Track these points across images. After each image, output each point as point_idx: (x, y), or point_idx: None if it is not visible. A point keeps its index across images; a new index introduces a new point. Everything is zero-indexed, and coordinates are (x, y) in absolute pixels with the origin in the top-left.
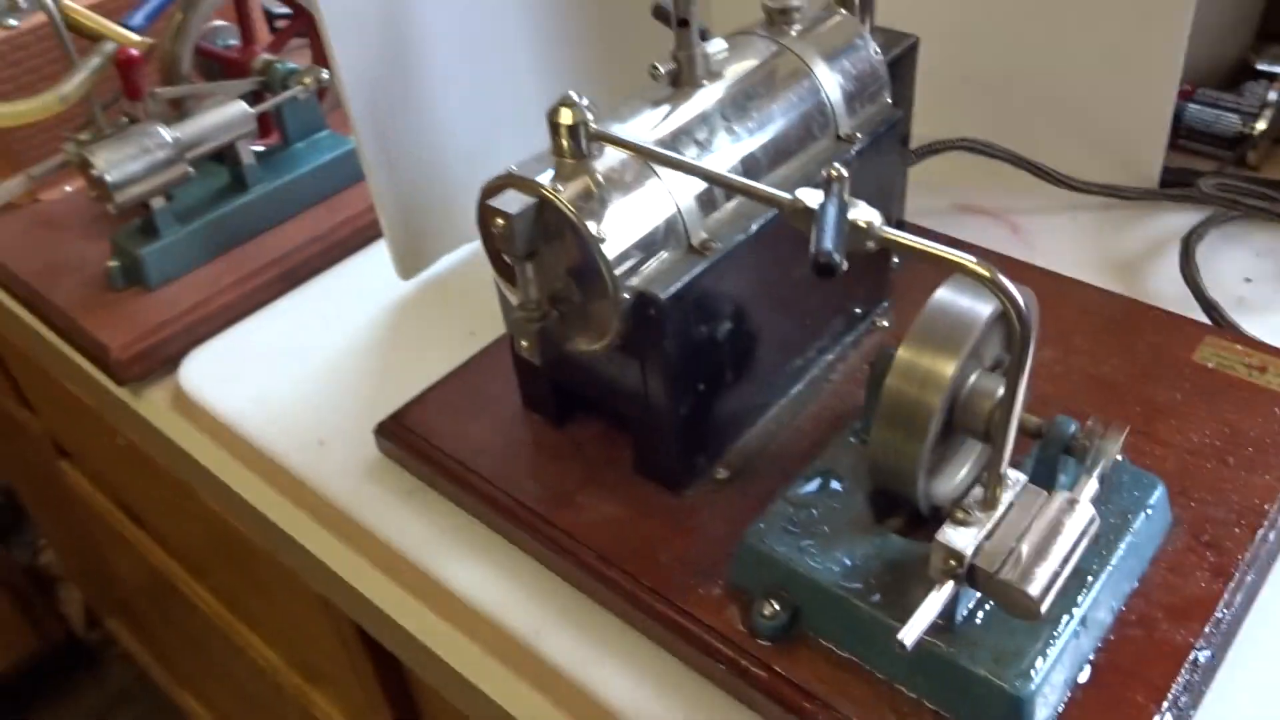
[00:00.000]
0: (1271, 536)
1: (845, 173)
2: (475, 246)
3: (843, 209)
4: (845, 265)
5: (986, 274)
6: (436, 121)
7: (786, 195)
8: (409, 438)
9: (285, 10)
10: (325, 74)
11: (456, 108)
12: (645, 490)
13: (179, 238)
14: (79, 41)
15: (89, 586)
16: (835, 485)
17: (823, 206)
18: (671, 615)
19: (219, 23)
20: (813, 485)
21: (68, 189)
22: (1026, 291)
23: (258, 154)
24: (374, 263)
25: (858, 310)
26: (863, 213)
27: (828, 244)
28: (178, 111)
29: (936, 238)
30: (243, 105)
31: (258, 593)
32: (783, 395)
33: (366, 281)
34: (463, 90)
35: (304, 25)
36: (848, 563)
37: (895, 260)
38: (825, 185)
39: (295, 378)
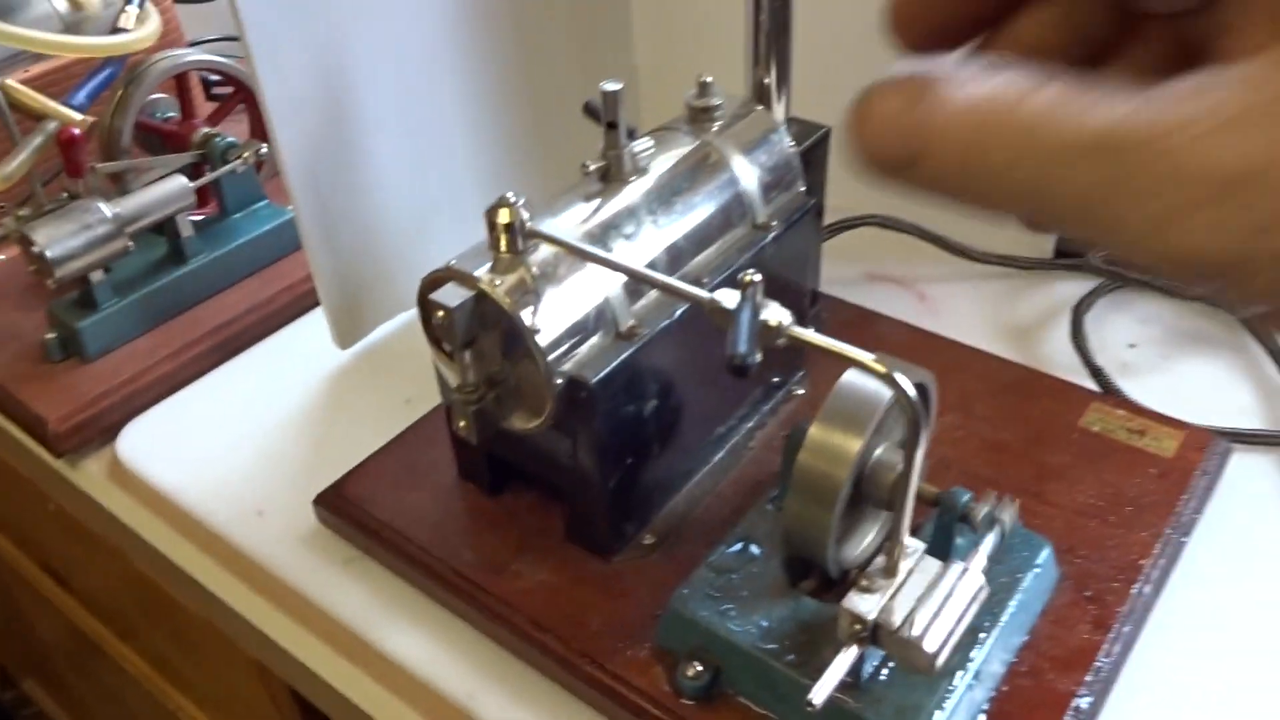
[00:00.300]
0: (1146, 590)
1: (758, 278)
2: (410, 315)
3: (756, 312)
4: (759, 362)
5: (883, 370)
6: (374, 198)
7: (705, 295)
8: (347, 508)
9: (219, 77)
10: (264, 148)
11: (394, 186)
12: (576, 557)
13: (117, 309)
14: (22, 120)
15: (5, 647)
16: (754, 550)
17: (738, 308)
18: (601, 677)
19: (157, 95)
20: (733, 551)
21: (1, 257)
22: (925, 374)
23: (196, 224)
24: (311, 331)
25: (775, 380)
26: (774, 313)
27: (742, 347)
28: (118, 185)
29: (849, 311)
30: (183, 180)
31: (189, 656)
32: (705, 463)
33: (304, 350)
34: (400, 170)
35: (242, 99)
36: (765, 625)
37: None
38: (741, 289)
39: (233, 447)
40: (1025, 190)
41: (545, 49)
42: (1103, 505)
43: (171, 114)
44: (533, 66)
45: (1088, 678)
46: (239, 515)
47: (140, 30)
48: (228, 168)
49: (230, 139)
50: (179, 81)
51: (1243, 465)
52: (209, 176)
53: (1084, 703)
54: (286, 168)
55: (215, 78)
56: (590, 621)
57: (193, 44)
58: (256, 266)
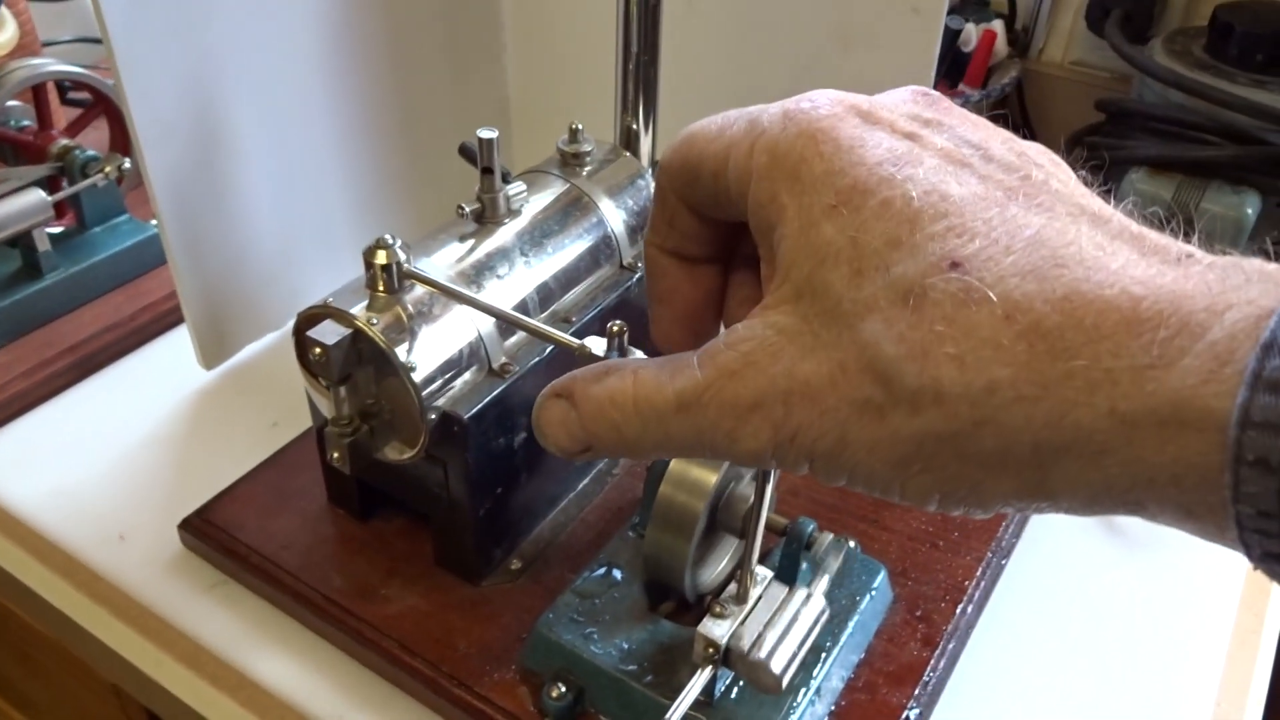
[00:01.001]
0: (970, 609)
1: (624, 327)
2: (277, 335)
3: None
4: None
5: None
6: (244, 221)
7: (575, 341)
8: (213, 533)
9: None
10: (126, 162)
11: (264, 210)
12: (445, 582)
13: None
14: None
15: None
16: (616, 575)
17: (606, 354)
18: (468, 699)
19: (12, 103)
20: (596, 576)
21: None
22: None
23: (53, 238)
24: (174, 350)
25: None
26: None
27: None
28: None
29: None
30: (40, 193)
31: (38, 679)
32: (572, 490)
33: (167, 369)
34: (271, 194)
35: (102, 110)
36: (626, 647)
37: None
38: (609, 337)
39: (93, 469)
40: (662, 446)
41: (419, 82)
42: (933, 531)
43: (27, 123)
44: (406, 99)
45: (916, 691)
46: (100, 539)
47: None
48: (88, 182)
49: (91, 152)
50: (36, 91)
51: None
52: (68, 190)
53: (913, 714)
54: (154, 189)
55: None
56: (458, 645)
57: (47, 45)
58: (117, 282)
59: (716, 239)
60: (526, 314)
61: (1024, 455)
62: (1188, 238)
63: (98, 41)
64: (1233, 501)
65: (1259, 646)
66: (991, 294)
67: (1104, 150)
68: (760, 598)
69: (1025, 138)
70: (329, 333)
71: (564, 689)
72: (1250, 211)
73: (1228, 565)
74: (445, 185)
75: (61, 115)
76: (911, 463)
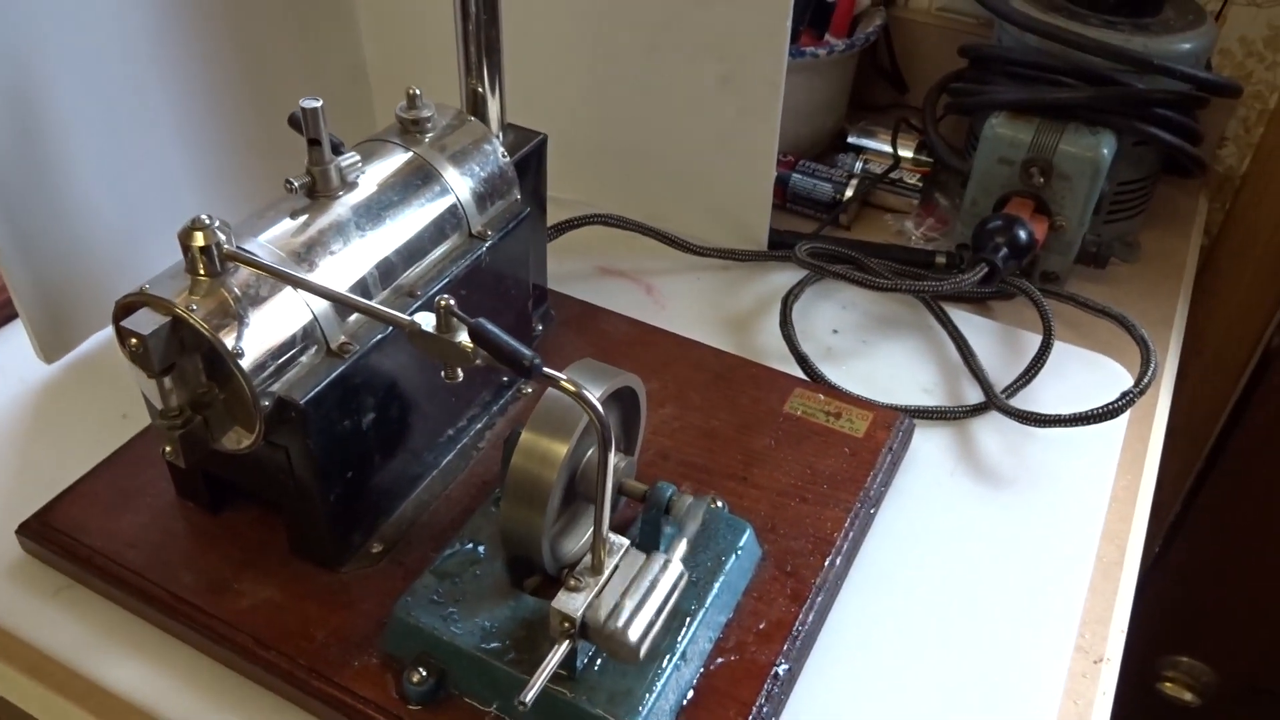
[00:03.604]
0: (838, 561)
1: (449, 301)
2: None
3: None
4: (461, 379)
5: (573, 390)
6: (76, 201)
7: (405, 318)
8: (55, 536)
9: None
10: None
11: (98, 194)
12: (302, 570)
13: None
14: None
15: None
16: (480, 551)
17: (435, 330)
18: (329, 690)
19: None
20: (457, 555)
21: None
22: (632, 378)
23: None
24: (10, 343)
25: (505, 380)
26: (465, 338)
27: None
28: None
29: (577, 306)
30: None
31: None
32: (434, 467)
33: (3, 364)
34: (104, 176)
35: None
36: (487, 625)
37: (538, 328)
38: (436, 312)
39: None
40: None
41: (266, 46)
42: (801, 485)
43: None
44: (252, 65)
45: (785, 647)
46: None
47: None
48: None
49: None
50: None
51: (925, 438)
52: None
53: (782, 670)
54: None
55: None
56: (316, 635)
57: None
58: None
59: None
60: (366, 291)
61: None
62: (1046, 180)
63: None
64: None
65: (1120, 578)
66: None
67: (967, 95)
68: (617, 567)
69: (895, 83)
70: (144, 322)
71: (425, 673)
72: (1106, 152)
73: (1090, 502)
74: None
75: None
76: None
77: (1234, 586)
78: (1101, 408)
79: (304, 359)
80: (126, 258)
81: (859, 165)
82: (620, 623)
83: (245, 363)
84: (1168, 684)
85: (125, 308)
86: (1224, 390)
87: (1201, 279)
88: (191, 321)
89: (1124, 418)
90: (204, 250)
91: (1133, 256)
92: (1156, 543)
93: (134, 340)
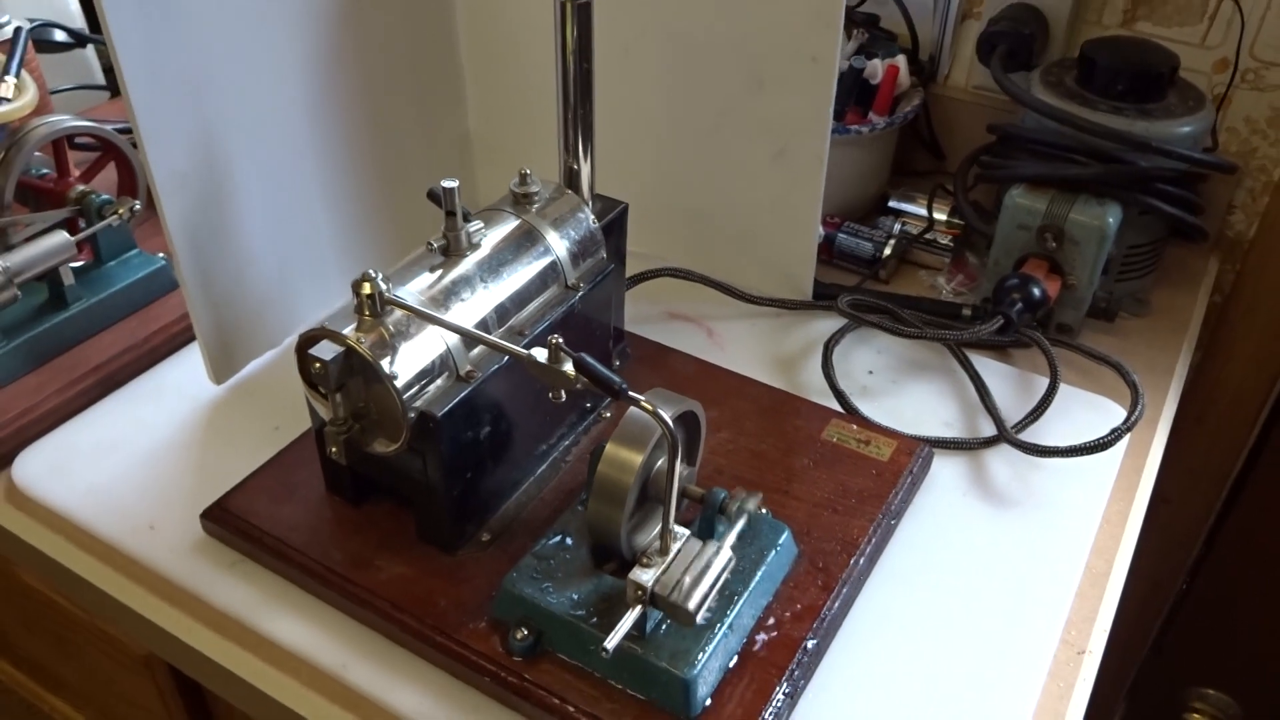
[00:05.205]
0: (862, 562)
1: (558, 339)
2: (276, 352)
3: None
4: (565, 400)
5: (650, 407)
6: (245, 254)
7: (524, 351)
8: (230, 520)
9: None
10: (136, 204)
11: (262, 243)
12: (427, 552)
13: (5, 352)
14: None
15: None
16: (568, 541)
17: (547, 361)
18: (449, 644)
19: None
20: (552, 543)
21: None
22: (694, 404)
23: (75, 272)
24: (186, 367)
25: (588, 405)
26: (569, 367)
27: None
28: (1, 239)
29: (649, 346)
30: (65, 235)
31: (72, 660)
32: (531, 474)
33: (180, 384)
34: (267, 230)
35: (112, 157)
36: (575, 597)
37: (617, 363)
38: (548, 348)
39: (122, 471)
40: None
41: (391, 129)
42: (833, 498)
43: (46, 171)
44: (380, 144)
45: (814, 626)
46: (132, 530)
47: (20, 99)
48: (105, 222)
49: (105, 196)
50: (55, 145)
51: (943, 465)
52: (87, 231)
53: (810, 644)
54: (170, 229)
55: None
56: (439, 603)
57: (53, 93)
58: (131, 309)
59: None
60: (487, 330)
61: None
62: (1059, 244)
63: (98, 88)
64: None
65: (1106, 586)
66: None
67: (992, 168)
68: (679, 551)
69: (934, 152)
70: (326, 350)
71: (526, 632)
72: (1112, 221)
73: (1082, 522)
74: (417, 216)
75: (70, 160)
76: None
77: (1258, 621)
78: (1094, 441)
79: (439, 382)
80: (279, 298)
81: (897, 227)
82: (682, 592)
83: (398, 383)
84: (1195, 715)
85: (309, 339)
86: (1241, 434)
87: (1217, 333)
88: (360, 351)
89: (1119, 452)
90: (369, 297)
91: (1143, 311)
92: (1183, 579)
93: (318, 364)
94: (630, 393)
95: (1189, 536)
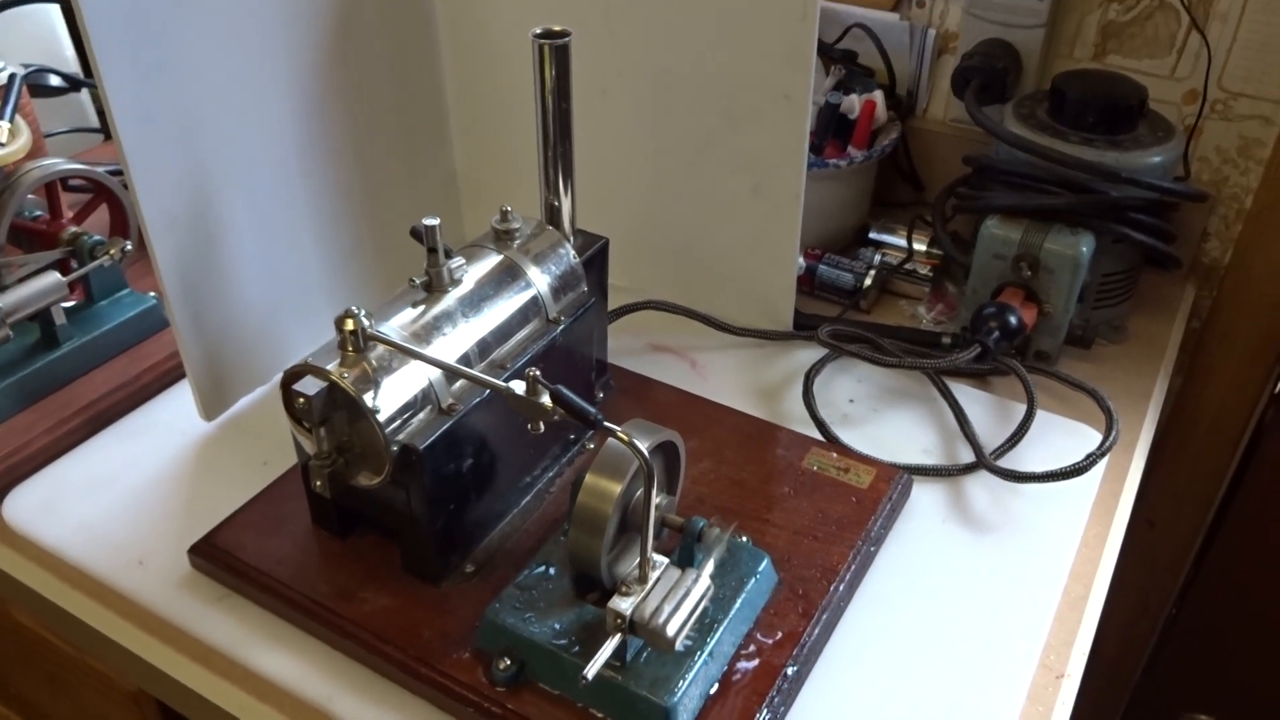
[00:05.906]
0: (842, 588)
1: (536, 372)
2: (264, 389)
3: (536, 396)
4: (543, 431)
5: (626, 439)
6: (235, 293)
7: (503, 385)
8: (218, 555)
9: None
10: (128, 245)
11: (251, 282)
12: (411, 584)
13: None
14: None
15: None
16: (551, 571)
17: (525, 394)
18: (433, 675)
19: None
20: (534, 573)
21: None
22: (673, 434)
23: (66, 311)
24: (176, 404)
25: (572, 437)
26: (547, 399)
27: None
28: None
29: (632, 379)
30: (57, 275)
31: (63, 696)
32: (515, 505)
33: (170, 420)
34: (257, 269)
35: (103, 199)
36: (557, 627)
37: (600, 395)
38: (526, 381)
39: (111, 507)
40: None
41: (378, 170)
42: (813, 525)
43: (40, 213)
44: (368, 185)
45: (794, 653)
46: (122, 566)
47: (14, 144)
48: (97, 263)
49: (97, 237)
50: (49, 188)
51: (923, 492)
52: (79, 271)
53: (791, 671)
54: (160, 268)
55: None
56: (423, 634)
57: (47, 136)
58: (122, 348)
59: None
60: (469, 364)
61: None
62: (1034, 273)
63: (91, 131)
64: None
65: (1084, 610)
66: None
67: (968, 200)
68: (658, 579)
69: (913, 183)
70: (310, 385)
71: (509, 662)
72: (1085, 250)
73: (1060, 547)
74: (405, 255)
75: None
76: None
77: (1248, 644)
78: (1070, 466)
79: (422, 415)
80: (268, 335)
81: (878, 258)
82: (661, 619)
83: (380, 417)
84: None
85: (293, 375)
86: (1222, 459)
87: (1196, 358)
88: (343, 386)
89: (1096, 477)
90: (352, 333)
91: (1120, 338)
92: (1172, 604)
93: (301, 399)
94: (606, 423)
95: (1176, 560)
